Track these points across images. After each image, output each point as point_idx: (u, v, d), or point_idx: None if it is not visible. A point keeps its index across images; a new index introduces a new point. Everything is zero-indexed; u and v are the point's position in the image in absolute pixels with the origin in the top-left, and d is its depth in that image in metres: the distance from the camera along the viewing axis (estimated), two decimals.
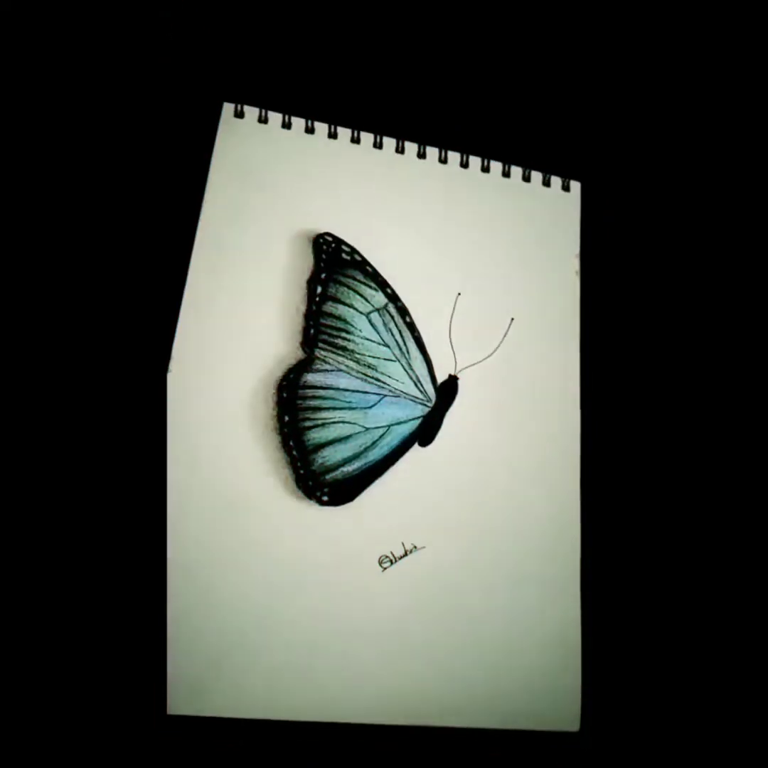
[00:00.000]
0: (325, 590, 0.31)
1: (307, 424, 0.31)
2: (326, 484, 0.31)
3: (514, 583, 0.32)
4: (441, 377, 0.33)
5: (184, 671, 0.29)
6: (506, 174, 0.37)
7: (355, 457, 0.32)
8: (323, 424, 0.32)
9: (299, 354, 0.32)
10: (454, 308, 0.34)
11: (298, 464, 0.31)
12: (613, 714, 0.33)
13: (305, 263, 0.33)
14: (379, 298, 0.33)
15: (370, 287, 0.33)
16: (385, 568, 0.31)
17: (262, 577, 0.30)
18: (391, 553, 0.32)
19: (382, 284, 0.33)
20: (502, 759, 0.31)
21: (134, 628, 0.29)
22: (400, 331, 0.33)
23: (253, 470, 0.31)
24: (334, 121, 0.35)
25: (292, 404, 0.31)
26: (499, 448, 0.34)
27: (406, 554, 0.32)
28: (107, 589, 0.29)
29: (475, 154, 0.36)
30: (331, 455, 0.31)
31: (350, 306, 0.33)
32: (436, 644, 0.31)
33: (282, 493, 0.31)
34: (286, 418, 0.31)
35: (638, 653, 0.34)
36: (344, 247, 0.33)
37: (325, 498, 0.31)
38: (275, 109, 0.34)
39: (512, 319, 0.35)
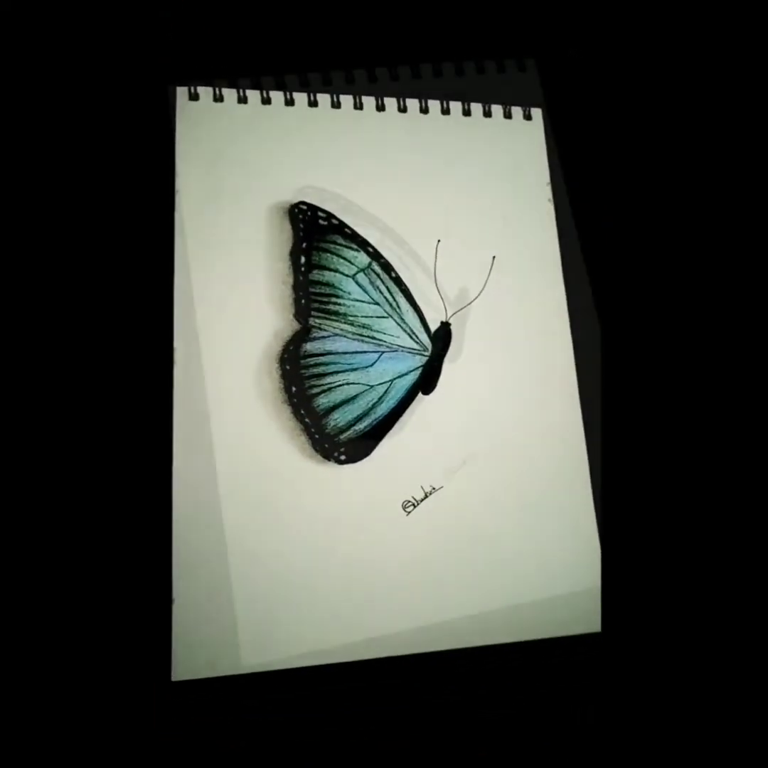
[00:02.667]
0: (356, 540, 0.32)
1: (314, 391, 0.33)
2: (342, 444, 0.33)
3: (528, 503, 0.34)
4: (434, 326, 0.34)
5: (222, 634, 0.30)
6: (467, 113, 0.37)
7: (365, 414, 0.33)
8: (329, 389, 0.33)
9: (295, 325, 0.33)
10: (436, 256, 0.35)
11: (312, 430, 0.32)
12: (633, 613, 0.35)
13: (286, 235, 0.34)
14: (362, 259, 0.34)
15: (351, 249, 0.34)
16: (409, 512, 0.33)
17: (293, 536, 0.32)
18: (413, 497, 0.33)
19: (363, 244, 0.34)
20: (537, 668, 0.33)
21: (142, 603, 0.30)
22: (387, 288, 0.34)
23: (270, 442, 0.32)
24: (289, 87, 0.35)
25: (296, 375, 0.32)
26: (498, 382, 0.35)
27: (426, 496, 0.33)
28: (124, 572, 0.30)
29: (433, 98, 0.36)
30: (341, 417, 0.33)
31: (335, 270, 0.33)
32: (465, 571, 0.33)
33: (301, 459, 0.32)
34: (293, 389, 0.32)
35: (655, 551, 0.36)
36: (320, 213, 0.33)
37: (342, 458, 0.32)
38: (229, 86, 0.34)
39: (494, 256, 0.36)
